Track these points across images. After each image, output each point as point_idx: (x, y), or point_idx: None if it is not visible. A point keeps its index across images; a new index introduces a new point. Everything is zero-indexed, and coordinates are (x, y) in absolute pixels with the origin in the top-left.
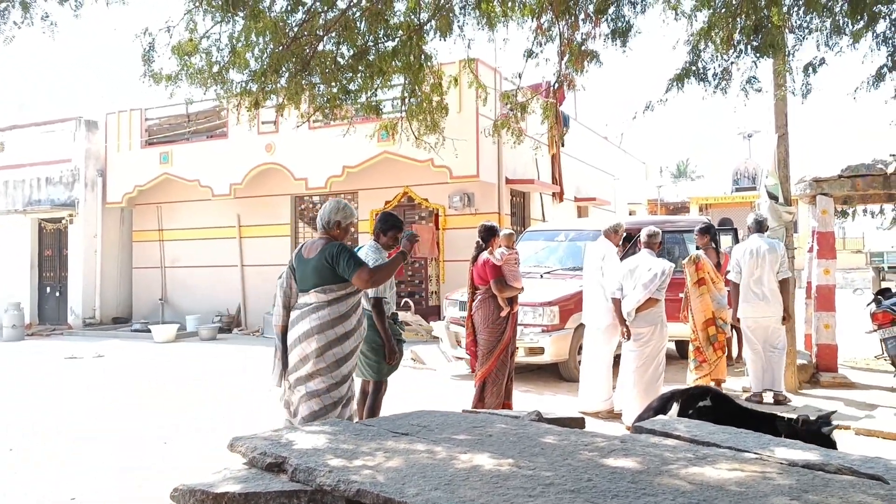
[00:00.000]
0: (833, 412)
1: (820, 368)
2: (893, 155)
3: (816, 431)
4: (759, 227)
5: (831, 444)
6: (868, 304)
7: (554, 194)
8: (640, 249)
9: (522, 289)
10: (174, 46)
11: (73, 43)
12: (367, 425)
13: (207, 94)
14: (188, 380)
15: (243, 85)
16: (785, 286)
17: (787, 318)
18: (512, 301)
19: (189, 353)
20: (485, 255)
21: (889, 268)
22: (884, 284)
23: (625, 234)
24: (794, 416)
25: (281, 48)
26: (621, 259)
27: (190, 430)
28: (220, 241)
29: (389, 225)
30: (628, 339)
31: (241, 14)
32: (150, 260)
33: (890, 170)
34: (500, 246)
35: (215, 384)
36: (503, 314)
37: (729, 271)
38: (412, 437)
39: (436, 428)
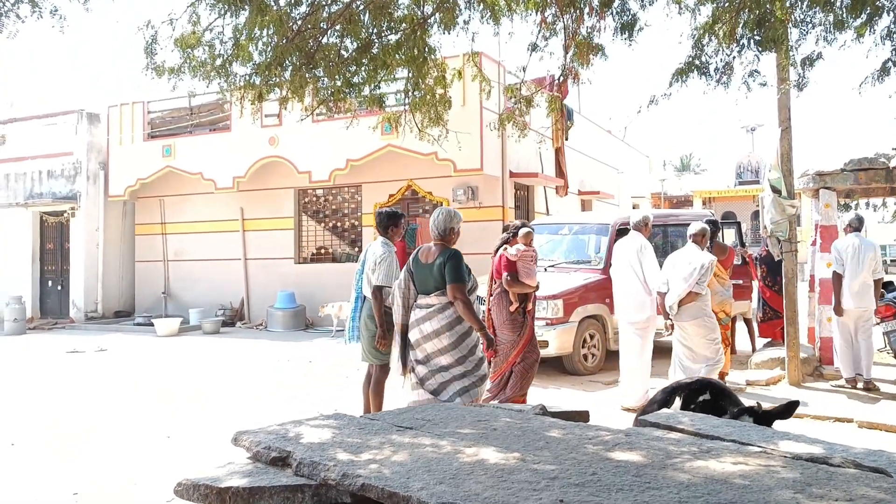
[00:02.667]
0: (794, 402)
1: (823, 361)
2: None
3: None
4: (860, 225)
5: None
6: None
7: (557, 188)
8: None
9: (537, 286)
10: (177, 39)
11: (75, 35)
12: (372, 419)
13: (210, 87)
14: (191, 374)
15: (247, 78)
16: (877, 285)
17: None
18: (527, 298)
19: (192, 347)
20: (502, 249)
21: (892, 261)
22: (886, 278)
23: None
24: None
25: (285, 41)
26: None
27: (193, 424)
28: (223, 235)
29: (394, 221)
30: (671, 333)
31: (246, 7)
32: (153, 253)
33: (893, 163)
34: (520, 242)
35: (218, 378)
36: (512, 309)
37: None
38: (417, 431)
39: (440, 422)
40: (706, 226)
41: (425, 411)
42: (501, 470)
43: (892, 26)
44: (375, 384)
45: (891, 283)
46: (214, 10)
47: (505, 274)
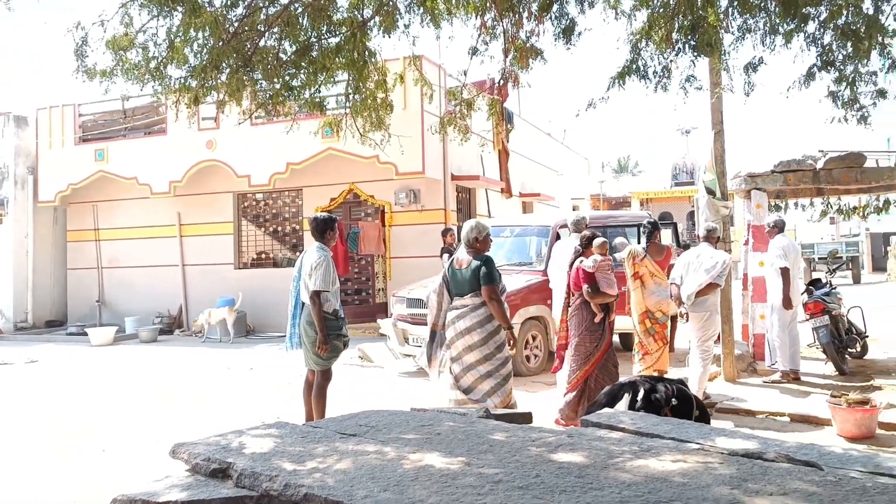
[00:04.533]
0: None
1: (756, 358)
2: (822, 151)
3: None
4: (784, 226)
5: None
6: (801, 294)
7: (502, 190)
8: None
9: (617, 295)
10: (108, 41)
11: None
12: (315, 427)
13: (144, 90)
14: (126, 384)
15: (182, 81)
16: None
17: None
18: (609, 308)
19: (128, 357)
20: (578, 261)
21: (819, 259)
22: (814, 275)
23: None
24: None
25: (221, 44)
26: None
27: (129, 436)
28: (159, 241)
29: (330, 226)
30: (686, 321)
31: (179, 8)
32: (86, 260)
33: (819, 165)
34: (595, 253)
35: (155, 388)
36: (597, 320)
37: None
38: (360, 437)
39: (384, 428)
40: (716, 226)
41: (369, 417)
42: (446, 475)
43: (817, 33)
44: (318, 390)
45: (818, 280)
46: (147, 12)
47: (585, 286)
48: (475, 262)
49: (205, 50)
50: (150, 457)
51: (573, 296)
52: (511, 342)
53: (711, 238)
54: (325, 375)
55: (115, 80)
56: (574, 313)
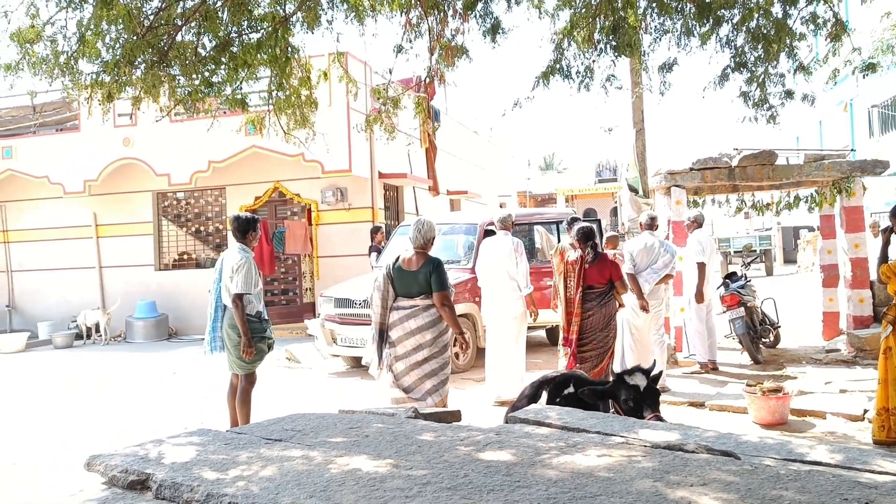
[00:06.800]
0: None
1: (677, 349)
2: (737, 149)
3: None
4: (701, 223)
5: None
6: (718, 288)
7: (430, 187)
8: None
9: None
10: (13, 33)
11: None
12: (239, 433)
13: (54, 86)
14: (38, 393)
15: (94, 76)
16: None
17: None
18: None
19: (41, 364)
20: (610, 254)
21: (735, 252)
22: (730, 268)
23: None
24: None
25: (136, 38)
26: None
27: (42, 449)
28: (74, 242)
29: (252, 226)
30: (647, 311)
31: (91, 0)
32: None
33: (734, 163)
34: (608, 247)
35: (70, 397)
36: (620, 307)
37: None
38: (286, 442)
39: (310, 431)
40: (655, 213)
41: (295, 421)
42: (373, 478)
43: (731, 35)
44: (242, 395)
45: (734, 273)
46: (55, 3)
47: (622, 279)
48: (426, 265)
49: (118, 44)
50: (64, 470)
51: (594, 289)
52: (463, 346)
53: (654, 226)
54: (250, 379)
55: (20, 75)
56: (597, 308)
